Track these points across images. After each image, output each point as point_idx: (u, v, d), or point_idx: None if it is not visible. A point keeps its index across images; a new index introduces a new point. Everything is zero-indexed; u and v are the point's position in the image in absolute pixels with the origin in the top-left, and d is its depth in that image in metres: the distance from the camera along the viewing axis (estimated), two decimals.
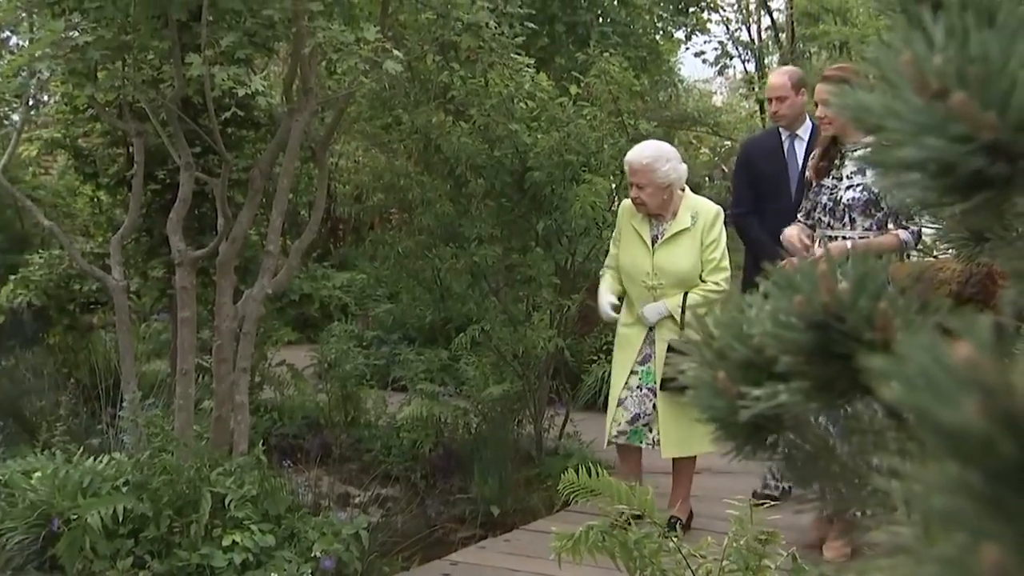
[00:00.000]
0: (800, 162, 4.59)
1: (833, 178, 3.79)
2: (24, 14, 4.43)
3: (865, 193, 3.68)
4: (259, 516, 3.80)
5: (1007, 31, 0.53)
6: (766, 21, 16.27)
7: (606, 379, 5.04)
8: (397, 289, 6.58)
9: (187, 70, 3.89)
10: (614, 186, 5.43)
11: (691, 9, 10.36)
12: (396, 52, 3.95)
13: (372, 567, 3.96)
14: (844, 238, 3.71)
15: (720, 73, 16.51)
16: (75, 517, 3.65)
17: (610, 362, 4.62)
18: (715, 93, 18.33)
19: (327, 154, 5.24)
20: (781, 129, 4.79)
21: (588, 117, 5.11)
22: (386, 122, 5.75)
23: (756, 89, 14.46)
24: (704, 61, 14.94)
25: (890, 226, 3.68)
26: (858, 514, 0.70)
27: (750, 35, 16.43)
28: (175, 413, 4.40)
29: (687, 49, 13.08)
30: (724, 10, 14.56)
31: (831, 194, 3.78)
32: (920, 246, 3.90)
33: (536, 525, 4.60)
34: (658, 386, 4.28)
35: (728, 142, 12.55)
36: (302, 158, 5.47)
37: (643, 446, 4.38)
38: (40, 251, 6.24)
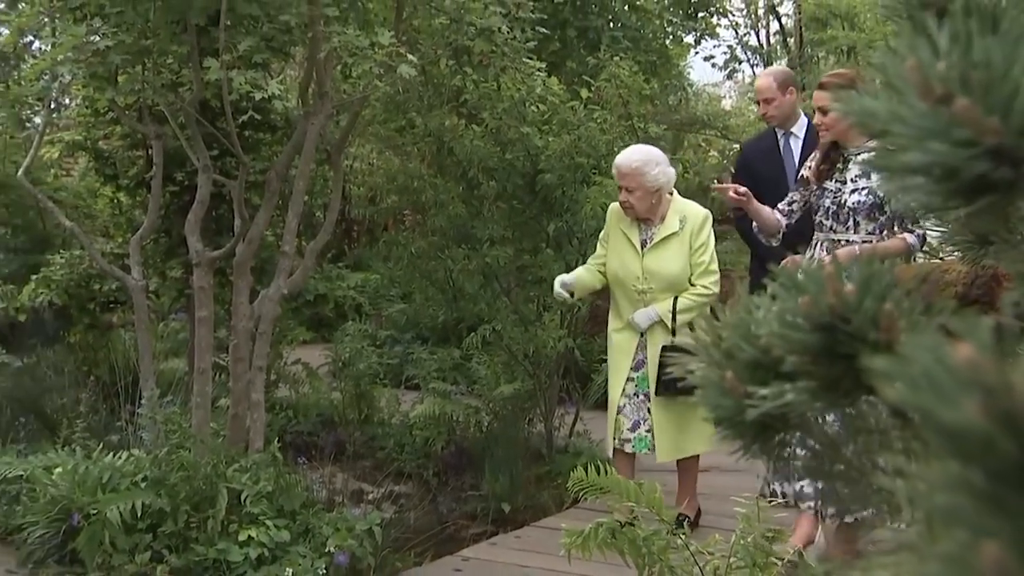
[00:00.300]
0: (796, 159, 4.59)
1: (836, 182, 3.76)
2: (47, 19, 4.44)
3: (870, 197, 3.65)
4: (274, 512, 3.82)
5: (1010, 38, 0.53)
6: (774, 26, 16.31)
7: None
8: (410, 289, 6.61)
9: (205, 74, 3.92)
10: None
11: (700, 14, 10.37)
12: (410, 56, 3.96)
13: (385, 562, 3.97)
14: (848, 242, 3.68)
15: (729, 77, 16.56)
16: (95, 512, 3.69)
17: None
18: (724, 97, 18.29)
19: (342, 157, 5.23)
20: (776, 129, 4.81)
21: (599, 120, 5.14)
22: (400, 125, 5.76)
23: None
24: (713, 65, 14.99)
25: (895, 229, 3.65)
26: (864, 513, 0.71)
27: (759, 40, 16.47)
28: (192, 410, 4.41)
29: (696, 53, 13.10)
30: (733, 15, 14.65)
31: (835, 197, 3.75)
32: (926, 248, 3.90)
33: (546, 522, 4.63)
34: (653, 391, 4.27)
35: (736, 145, 12.51)
36: (317, 160, 5.47)
37: (644, 452, 4.38)
38: (61, 251, 6.25)
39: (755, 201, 3.86)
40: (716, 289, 4.31)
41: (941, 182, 0.54)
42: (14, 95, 4.66)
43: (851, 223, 3.71)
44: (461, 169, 5.37)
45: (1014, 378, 0.43)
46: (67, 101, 6.17)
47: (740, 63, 15.81)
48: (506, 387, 5.39)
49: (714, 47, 14.47)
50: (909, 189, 0.56)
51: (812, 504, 3.59)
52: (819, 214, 3.80)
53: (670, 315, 4.23)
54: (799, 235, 3.88)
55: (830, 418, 0.73)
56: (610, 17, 8.53)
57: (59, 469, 3.97)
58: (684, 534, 2.41)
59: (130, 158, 6.08)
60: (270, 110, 5.42)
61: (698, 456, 4.43)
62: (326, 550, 3.73)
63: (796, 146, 4.68)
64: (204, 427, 4.29)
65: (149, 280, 5.47)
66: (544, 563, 3.87)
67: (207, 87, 4.30)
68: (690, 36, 10.82)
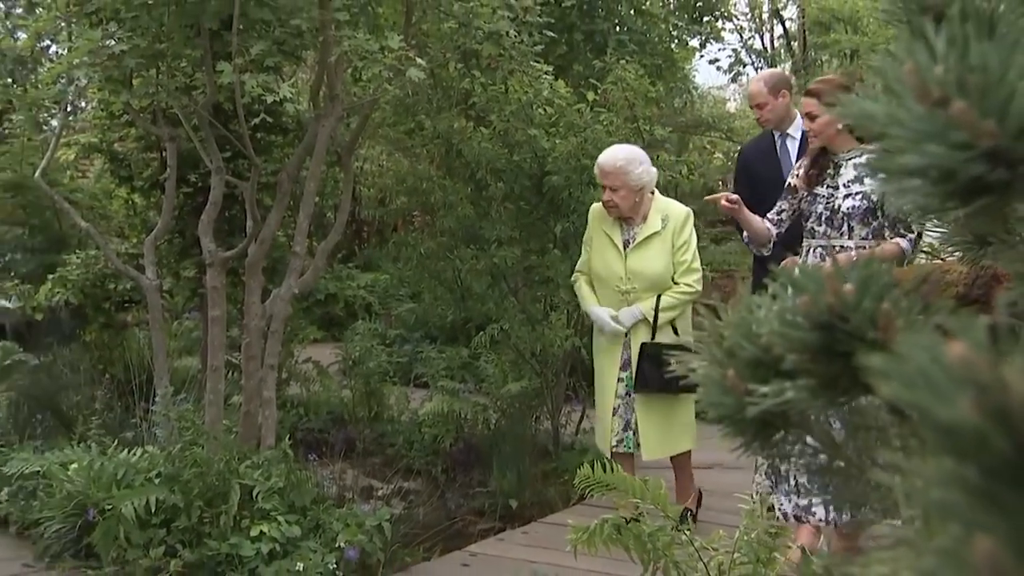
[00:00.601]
0: (793, 160, 4.60)
1: (828, 187, 3.70)
2: (63, 24, 4.49)
3: (865, 201, 3.60)
4: (285, 508, 3.86)
5: (1006, 42, 0.53)
6: (778, 30, 16.34)
7: None
8: (419, 289, 6.67)
9: (218, 77, 3.95)
10: None
11: (705, 18, 10.39)
12: (419, 60, 3.98)
13: (394, 557, 4.00)
14: (842, 247, 3.62)
15: (734, 80, 16.55)
16: (110, 507, 3.72)
17: None
18: (729, 99, 18.28)
19: (352, 158, 5.25)
20: (773, 131, 4.84)
21: (605, 123, 5.16)
22: (409, 127, 5.80)
23: None
24: (718, 68, 15.10)
25: (887, 234, 3.60)
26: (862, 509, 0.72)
27: (763, 43, 16.49)
28: (205, 408, 4.44)
29: (701, 57, 13.18)
30: (738, 19, 14.69)
31: (827, 203, 3.68)
32: (927, 249, 3.90)
33: (553, 518, 4.66)
34: (633, 388, 4.29)
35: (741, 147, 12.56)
36: (328, 162, 5.50)
37: (636, 452, 4.40)
38: (77, 251, 6.28)
39: (746, 210, 3.82)
40: (699, 287, 4.31)
41: (938, 184, 0.54)
42: (31, 98, 4.71)
43: (845, 228, 3.65)
44: (469, 171, 5.40)
45: (1008, 375, 0.43)
46: (83, 104, 6.21)
47: (744, 66, 15.83)
48: (513, 385, 5.43)
49: (719, 51, 14.64)
50: (906, 191, 0.56)
51: (821, 520, 3.58)
52: (811, 220, 3.73)
53: (653, 313, 4.25)
54: (798, 239, 3.86)
55: (836, 425, 0.74)
56: (616, 21, 8.53)
57: (75, 465, 4.01)
58: (688, 530, 2.45)
59: (144, 160, 6.12)
60: (282, 113, 5.46)
61: (689, 452, 4.44)
62: (336, 545, 3.76)
63: (793, 147, 4.70)
64: (217, 424, 4.32)
65: (163, 280, 5.50)
66: (551, 558, 3.88)
67: (220, 90, 4.34)
68: (695, 40, 10.83)
